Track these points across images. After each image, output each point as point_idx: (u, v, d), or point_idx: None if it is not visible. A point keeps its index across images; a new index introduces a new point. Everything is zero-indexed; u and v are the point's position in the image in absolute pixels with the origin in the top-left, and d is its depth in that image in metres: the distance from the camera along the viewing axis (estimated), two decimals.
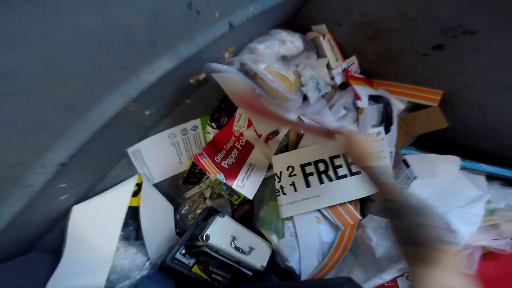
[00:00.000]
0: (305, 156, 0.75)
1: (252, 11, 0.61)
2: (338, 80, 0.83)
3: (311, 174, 0.74)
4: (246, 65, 0.66)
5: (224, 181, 0.71)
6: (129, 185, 0.69)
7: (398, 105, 0.81)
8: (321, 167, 0.74)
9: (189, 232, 0.73)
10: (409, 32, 0.68)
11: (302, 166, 0.75)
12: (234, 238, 0.72)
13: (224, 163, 0.74)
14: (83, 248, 0.59)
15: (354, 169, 0.74)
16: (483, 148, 0.76)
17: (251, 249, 0.74)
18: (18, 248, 0.54)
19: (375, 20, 0.72)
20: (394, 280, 0.65)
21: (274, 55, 0.71)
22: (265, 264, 0.75)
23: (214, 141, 0.77)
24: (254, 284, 0.72)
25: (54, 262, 0.55)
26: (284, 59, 0.77)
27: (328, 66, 0.84)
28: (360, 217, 0.76)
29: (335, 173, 0.74)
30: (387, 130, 0.78)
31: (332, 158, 0.74)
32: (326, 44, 0.81)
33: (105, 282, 0.56)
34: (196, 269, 0.71)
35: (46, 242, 0.58)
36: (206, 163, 0.71)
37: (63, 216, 0.59)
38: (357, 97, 0.79)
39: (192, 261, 0.70)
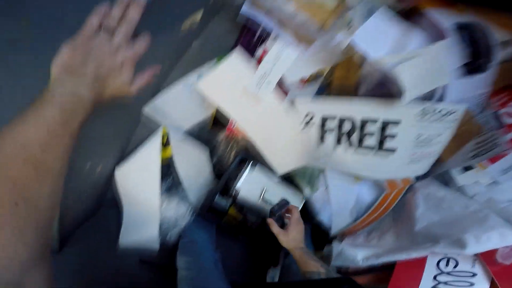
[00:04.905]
0: (333, 107, 0.57)
1: None
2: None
3: (331, 130, 0.59)
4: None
5: None
6: (155, 139, 0.69)
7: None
8: (347, 126, 0.56)
9: (221, 184, 0.73)
10: None
11: (324, 119, 0.59)
12: (264, 191, 0.72)
13: None
14: (135, 204, 0.69)
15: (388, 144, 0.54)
16: None
17: None
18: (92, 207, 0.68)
19: None
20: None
21: None
22: None
23: None
24: (252, 284, 0.74)
25: (119, 217, 0.68)
26: None
27: None
28: (414, 181, 0.64)
29: (360, 140, 0.56)
30: (484, 67, 0.49)
31: (365, 122, 0.54)
32: None
33: (158, 231, 0.68)
34: (232, 210, 0.75)
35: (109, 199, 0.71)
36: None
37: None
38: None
39: (229, 202, 0.74)
